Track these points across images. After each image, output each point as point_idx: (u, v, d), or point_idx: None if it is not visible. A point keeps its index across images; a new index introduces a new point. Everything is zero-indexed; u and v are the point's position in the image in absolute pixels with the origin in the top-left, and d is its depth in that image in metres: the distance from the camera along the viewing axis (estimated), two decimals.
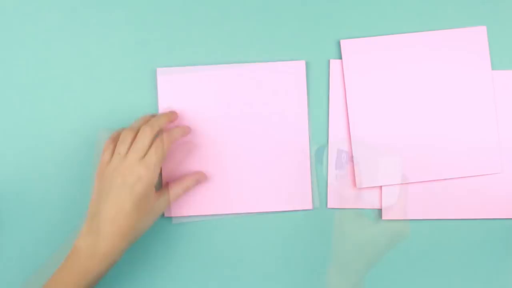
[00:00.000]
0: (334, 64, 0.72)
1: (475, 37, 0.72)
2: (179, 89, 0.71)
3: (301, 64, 0.72)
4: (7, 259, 0.72)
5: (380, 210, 0.72)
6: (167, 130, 0.67)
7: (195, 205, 0.71)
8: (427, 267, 0.72)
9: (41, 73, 0.72)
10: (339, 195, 0.71)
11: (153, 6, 0.72)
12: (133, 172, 0.62)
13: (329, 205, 0.72)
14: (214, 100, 0.71)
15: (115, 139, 0.66)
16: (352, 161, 0.71)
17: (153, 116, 0.69)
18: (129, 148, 0.64)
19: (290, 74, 0.71)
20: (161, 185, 0.71)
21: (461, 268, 0.72)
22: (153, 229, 0.71)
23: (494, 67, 0.72)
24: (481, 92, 0.71)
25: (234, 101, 0.71)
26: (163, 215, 0.71)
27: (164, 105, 0.71)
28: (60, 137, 0.72)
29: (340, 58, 0.72)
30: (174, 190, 0.67)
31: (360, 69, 0.72)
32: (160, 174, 0.71)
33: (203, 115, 0.71)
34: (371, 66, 0.72)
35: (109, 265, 0.63)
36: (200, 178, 0.69)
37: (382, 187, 0.71)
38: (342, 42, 0.71)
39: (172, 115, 0.69)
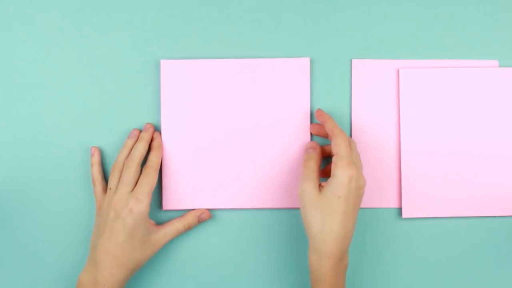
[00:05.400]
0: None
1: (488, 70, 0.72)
2: (181, 83, 0.71)
3: (306, 61, 0.72)
4: (7, 259, 0.72)
5: (398, 209, 0.72)
6: (148, 159, 0.70)
7: (192, 198, 0.71)
8: (427, 266, 0.72)
9: (41, 72, 0.72)
10: None
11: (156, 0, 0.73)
12: (124, 205, 0.66)
13: None
14: (217, 94, 0.71)
15: (100, 175, 0.71)
16: None
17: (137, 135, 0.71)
18: (118, 183, 0.68)
19: (294, 71, 0.71)
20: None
21: (461, 267, 0.72)
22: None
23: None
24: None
25: (236, 96, 0.71)
26: (161, 209, 0.72)
27: (166, 99, 0.71)
28: (60, 136, 0.72)
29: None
30: (175, 225, 0.70)
31: (366, 72, 0.72)
32: (160, 180, 0.71)
33: (205, 109, 0.71)
34: (379, 70, 0.72)
35: None
36: (203, 216, 0.71)
37: (402, 186, 0.71)
38: (354, 61, 0.72)
39: (148, 137, 0.70)
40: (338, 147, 0.64)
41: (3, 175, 0.72)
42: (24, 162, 0.72)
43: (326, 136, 0.70)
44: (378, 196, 0.72)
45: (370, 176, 0.72)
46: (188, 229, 0.70)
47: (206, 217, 0.71)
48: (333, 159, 0.64)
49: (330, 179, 0.64)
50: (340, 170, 0.63)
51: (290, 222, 0.72)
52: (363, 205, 0.72)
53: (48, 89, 0.72)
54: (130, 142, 0.70)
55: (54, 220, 0.72)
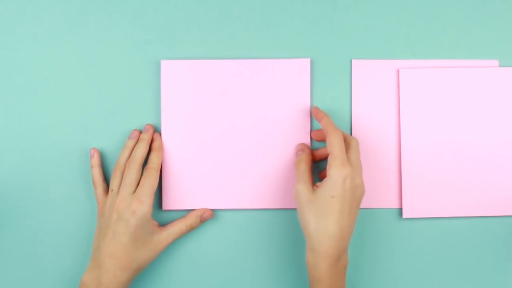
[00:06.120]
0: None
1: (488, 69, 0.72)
2: (182, 83, 0.71)
3: (306, 61, 0.72)
4: (7, 259, 0.72)
5: (398, 209, 0.72)
6: (149, 160, 0.70)
7: (192, 198, 0.71)
8: (427, 266, 0.72)
9: (41, 72, 0.72)
10: None
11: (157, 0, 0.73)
12: (127, 206, 0.66)
13: None
14: (217, 94, 0.71)
15: (101, 177, 0.70)
16: None
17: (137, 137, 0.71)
18: (120, 184, 0.68)
19: (295, 72, 0.71)
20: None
21: (461, 267, 0.73)
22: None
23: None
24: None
25: (236, 96, 0.71)
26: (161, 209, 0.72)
27: (166, 99, 0.71)
28: (60, 137, 0.72)
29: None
30: (178, 226, 0.69)
31: (366, 72, 0.72)
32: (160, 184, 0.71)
33: (205, 109, 0.71)
34: (379, 70, 0.72)
35: None
36: (205, 215, 0.71)
37: (402, 186, 0.71)
38: (354, 61, 0.72)
39: (148, 138, 0.70)
40: (331, 146, 0.64)
41: (3, 175, 0.72)
42: (24, 162, 0.72)
43: None
44: (378, 196, 0.72)
45: (370, 176, 0.72)
46: (191, 229, 0.70)
47: (208, 216, 0.71)
48: (328, 158, 0.64)
49: (325, 179, 0.64)
50: (333, 169, 0.63)
51: (290, 222, 0.72)
52: (363, 205, 0.72)
53: (48, 89, 0.72)
54: (130, 143, 0.70)
55: (54, 221, 0.72)
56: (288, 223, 0.72)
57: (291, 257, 0.72)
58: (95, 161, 0.70)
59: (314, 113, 0.70)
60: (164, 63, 0.71)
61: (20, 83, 0.72)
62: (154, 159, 0.69)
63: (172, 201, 0.71)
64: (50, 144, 0.72)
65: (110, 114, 0.72)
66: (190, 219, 0.70)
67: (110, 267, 0.65)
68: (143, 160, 0.69)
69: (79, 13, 0.72)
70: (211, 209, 0.71)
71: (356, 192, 0.64)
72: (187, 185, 0.71)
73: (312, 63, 0.72)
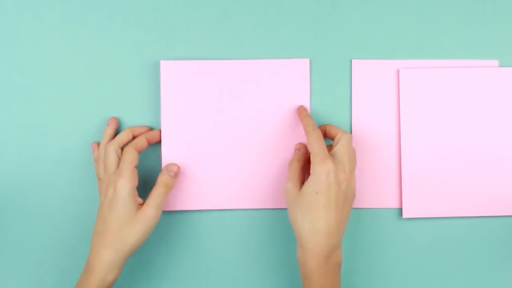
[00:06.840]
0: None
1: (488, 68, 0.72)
2: (181, 83, 0.71)
3: (305, 62, 0.72)
4: (7, 259, 0.72)
5: (398, 209, 0.72)
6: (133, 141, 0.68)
7: (192, 199, 0.71)
8: (427, 266, 0.73)
9: (41, 72, 0.72)
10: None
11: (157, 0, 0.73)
12: (108, 185, 0.65)
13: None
14: (217, 94, 0.71)
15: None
16: None
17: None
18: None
19: (294, 72, 0.71)
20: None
21: (461, 267, 0.73)
22: None
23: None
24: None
25: (236, 97, 0.72)
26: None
27: (166, 99, 0.71)
28: (60, 137, 0.72)
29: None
30: (155, 191, 0.67)
31: (366, 72, 0.72)
32: None
33: (204, 110, 0.71)
34: (379, 70, 0.72)
35: (103, 279, 0.64)
36: (170, 167, 0.69)
37: (402, 186, 0.71)
38: (354, 61, 0.72)
39: (135, 130, 0.70)
40: (311, 146, 0.65)
41: (3, 175, 0.72)
42: (24, 162, 0.72)
43: (331, 138, 0.69)
44: (378, 196, 0.72)
45: (370, 176, 0.72)
46: (168, 188, 0.67)
47: (175, 168, 0.69)
48: (310, 158, 0.65)
49: (309, 177, 0.64)
50: (315, 166, 0.63)
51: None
52: (363, 205, 0.72)
53: (48, 89, 0.72)
54: (108, 131, 0.70)
55: (54, 220, 0.72)
56: (287, 222, 0.72)
57: (287, 256, 0.72)
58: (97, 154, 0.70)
59: (297, 112, 0.70)
60: (163, 64, 0.71)
61: (20, 83, 0.72)
62: (137, 140, 0.68)
63: (171, 202, 0.71)
64: (50, 144, 0.72)
65: (110, 114, 0.72)
66: (162, 178, 0.68)
67: (95, 246, 0.64)
68: (120, 145, 0.68)
69: (79, 13, 0.72)
70: (210, 210, 0.71)
71: (342, 187, 0.63)
72: (187, 185, 0.71)
73: (311, 63, 0.72)
